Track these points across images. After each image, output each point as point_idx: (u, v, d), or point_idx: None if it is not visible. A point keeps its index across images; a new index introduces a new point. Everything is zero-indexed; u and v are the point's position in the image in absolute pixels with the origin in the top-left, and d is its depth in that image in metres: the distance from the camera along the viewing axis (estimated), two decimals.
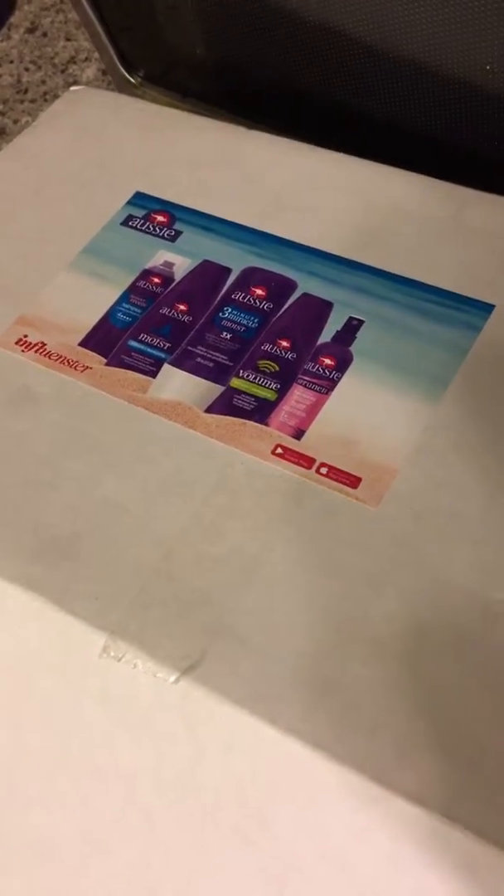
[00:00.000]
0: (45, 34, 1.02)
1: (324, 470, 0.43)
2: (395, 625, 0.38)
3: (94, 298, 0.52)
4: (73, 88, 0.64)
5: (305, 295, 0.50)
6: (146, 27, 0.75)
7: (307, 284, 0.51)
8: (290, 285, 0.51)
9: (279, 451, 0.44)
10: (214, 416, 0.46)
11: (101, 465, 0.45)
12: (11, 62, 1.01)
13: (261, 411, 0.46)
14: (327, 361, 0.47)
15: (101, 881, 0.40)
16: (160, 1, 0.72)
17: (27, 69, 1.00)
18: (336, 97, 0.66)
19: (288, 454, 0.44)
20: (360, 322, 0.49)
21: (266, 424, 0.45)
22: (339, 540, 0.41)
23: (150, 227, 0.55)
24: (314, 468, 0.44)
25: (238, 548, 0.41)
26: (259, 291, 0.51)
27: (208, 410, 0.46)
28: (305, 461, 0.44)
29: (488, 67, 0.54)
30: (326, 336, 0.49)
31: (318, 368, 0.47)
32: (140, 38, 0.76)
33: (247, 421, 0.46)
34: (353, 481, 0.43)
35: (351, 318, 0.49)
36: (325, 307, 0.50)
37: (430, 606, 0.39)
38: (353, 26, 0.60)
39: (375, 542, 0.41)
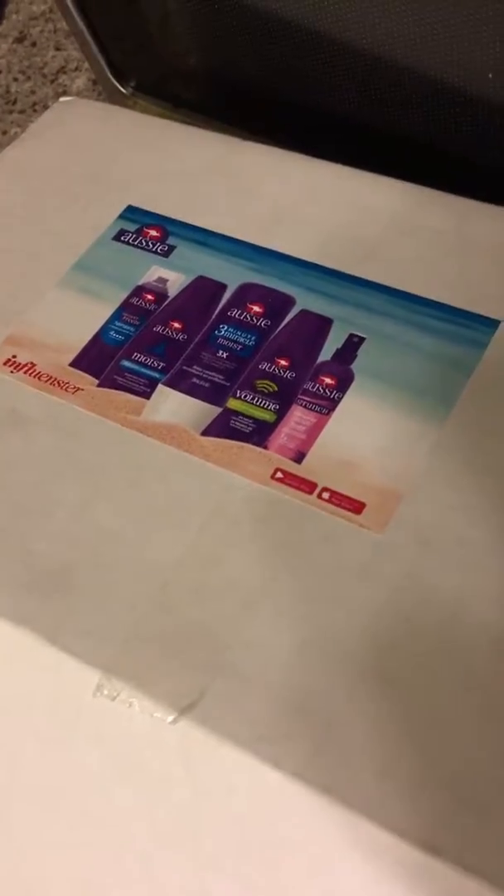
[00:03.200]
0: (34, 44, 1.00)
1: (326, 495, 0.42)
2: (402, 659, 0.37)
3: (85, 316, 0.50)
4: (62, 99, 0.63)
5: (304, 311, 0.49)
6: (137, 36, 0.73)
7: (306, 300, 0.49)
8: (289, 301, 0.49)
9: (279, 475, 0.43)
10: (211, 438, 0.44)
11: (93, 492, 0.43)
12: (0, 72, 0.99)
13: (259, 433, 0.44)
14: (328, 381, 0.46)
15: None
16: (152, 10, 0.71)
17: (16, 79, 0.98)
18: (332, 107, 0.64)
19: (288, 478, 0.42)
20: (362, 339, 0.47)
21: (265, 447, 0.44)
22: (343, 569, 0.39)
23: (143, 241, 0.53)
24: (316, 493, 0.42)
25: (237, 578, 0.40)
26: (256, 308, 0.49)
27: (205, 433, 0.45)
28: (307, 486, 0.42)
29: (490, 76, 0.52)
30: (326, 354, 0.47)
31: (318, 388, 0.46)
32: (131, 47, 0.74)
33: (245, 444, 0.44)
34: (356, 507, 0.41)
35: (352, 335, 0.47)
36: (324, 324, 0.48)
37: (438, 639, 0.37)
38: (349, 36, 0.58)
39: (381, 570, 0.39)
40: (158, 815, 0.37)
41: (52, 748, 0.38)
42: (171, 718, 0.36)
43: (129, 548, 0.41)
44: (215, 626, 0.38)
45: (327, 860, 0.34)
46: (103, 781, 0.38)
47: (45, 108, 0.95)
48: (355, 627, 0.38)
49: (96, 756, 0.38)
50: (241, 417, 0.45)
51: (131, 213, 0.55)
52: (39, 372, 0.48)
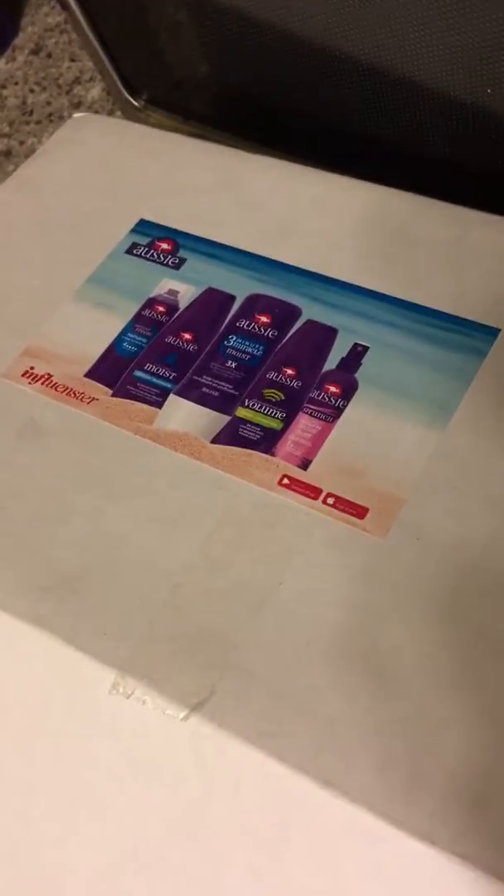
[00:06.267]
0: (49, 55, 1.02)
1: (330, 500, 0.43)
2: (402, 657, 0.38)
3: (99, 328, 0.52)
4: (76, 115, 0.65)
5: (310, 322, 0.51)
6: (147, 50, 0.75)
7: (312, 311, 0.51)
8: (295, 312, 0.51)
9: (286, 481, 0.44)
10: (221, 446, 0.46)
11: (108, 499, 0.45)
12: (16, 84, 1.01)
13: (267, 441, 0.46)
14: (332, 389, 0.47)
15: None
16: (161, 23, 0.72)
17: (32, 90, 1.00)
18: (339, 119, 0.66)
19: (294, 485, 0.44)
20: (365, 348, 0.49)
21: (272, 454, 0.45)
22: (346, 571, 0.41)
23: (155, 254, 0.55)
24: (321, 498, 0.44)
25: (245, 580, 0.41)
26: (263, 319, 0.51)
27: (214, 441, 0.46)
28: (312, 492, 0.44)
29: (489, 91, 0.54)
30: (332, 363, 0.49)
31: (323, 396, 0.47)
32: (142, 61, 0.76)
33: (253, 451, 0.46)
34: (359, 511, 0.43)
35: (356, 345, 0.49)
36: (329, 334, 0.50)
37: (437, 638, 0.39)
38: (355, 50, 0.60)
39: (383, 573, 0.41)
40: (171, 806, 0.39)
41: (70, 743, 0.40)
42: (182, 715, 0.38)
43: (142, 552, 0.43)
44: (224, 627, 0.40)
45: (330, 849, 0.36)
46: (119, 775, 0.40)
47: (61, 118, 0.97)
48: (357, 628, 0.39)
49: (112, 751, 0.40)
50: (249, 425, 0.47)
51: (143, 226, 0.57)
52: (56, 383, 0.50)
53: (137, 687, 0.39)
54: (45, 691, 0.41)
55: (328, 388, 0.47)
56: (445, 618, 0.39)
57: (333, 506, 0.43)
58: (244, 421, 0.47)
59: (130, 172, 0.60)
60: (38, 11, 1.06)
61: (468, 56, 0.53)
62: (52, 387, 0.50)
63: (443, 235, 0.53)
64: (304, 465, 0.45)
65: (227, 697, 0.38)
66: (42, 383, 0.50)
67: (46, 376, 0.50)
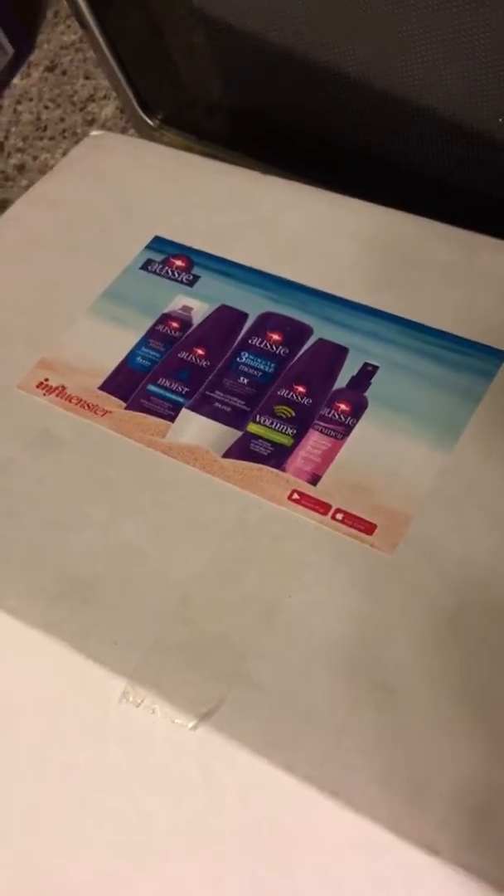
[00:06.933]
0: (64, 72, 1.04)
1: (339, 516, 0.44)
2: (407, 670, 0.39)
3: (113, 342, 0.53)
4: (92, 133, 0.66)
5: (321, 340, 0.51)
6: (163, 70, 0.77)
7: (323, 330, 0.52)
8: (306, 330, 0.52)
9: (295, 496, 0.45)
10: (232, 460, 0.47)
11: (120, 509, 0.46)
12: (31, 100, 1.03)
13: (277, 456, 0.47)
14: (343, 407, 0.48)
15: None
16: (177, 43, 0.74)
17: (46, 107, 1.02)
18: (351, 141, 0.67)
19: (304, 500, 0.45)
20: (375, 368, 0.50)
21: (282, 470, 0.46)
22: (353, 586, 0.42)
23: (169, 271, 0.56)
24: (330, 514, 0.44)
25: (254, 593, 0.42)
26: (275, 336, 0.52)
27: (226, 455, 0.47)
28: (321, 507, 0.45)
29: (501, 120, 0.55)
30: (342, 382, 0.49)
31: (333, 414, 0.48)
32: (157, 79, 0.78)
33: (263, 466, 0.47)
34: (368, 528, 0.44)
35: (366, 364, 0.50)
36: (340, 353, 0.51)
37: (442, 652, 0.39)
38: (366, 73, 0.61)
39: (389, 589, 0.42)
40: (177, 814, 0.39)
41: (79, 751, 0.41)
42: (191, 724, 0.38)
43: (152, 563, 0.44)
44: (233, 638, 0.41)
45: (334, 859, 0.36)
46: (127, 783, 0.40)
47: (74, 135, 0.98)
48: (364, 641, 0.40)
49: (121, 759, 0.40)
50: (260, 441, 0.48)
51: (158, 243, 0.58)
52: (70, 395, 0.51)
53: (147, 695, 0.39)
54: (55, 698, 0.41)
55: (338, 406, 0.48)
56: (450, 632, 0.40)
57: (342, 521, 0.44)
58: (255, 436, 0.48)
59: (146, 190, 0.61)
60: (53, 29, 1.08)
61: (482, 84, 0.54)
62: (66, 398, 0.51)
63: (451, 258, 0.54)
64: (314, 480, 0.46)
65: (235, 707, 0.39)
66: (56, 395, 0.51)
67: (61, 388, 0.51)
